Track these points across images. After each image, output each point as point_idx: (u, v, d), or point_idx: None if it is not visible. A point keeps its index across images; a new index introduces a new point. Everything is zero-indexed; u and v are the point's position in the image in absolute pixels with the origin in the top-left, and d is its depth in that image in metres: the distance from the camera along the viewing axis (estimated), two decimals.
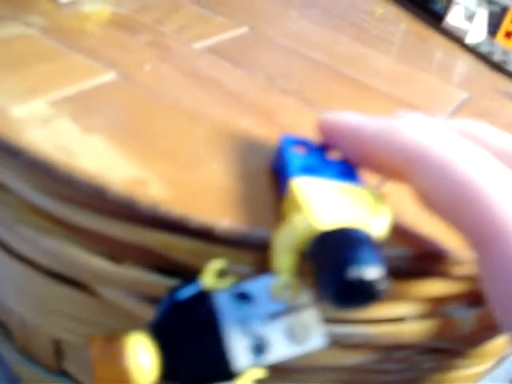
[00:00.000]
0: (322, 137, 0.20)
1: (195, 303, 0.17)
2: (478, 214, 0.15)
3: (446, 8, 0.39)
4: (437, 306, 0.21)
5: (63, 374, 0.27)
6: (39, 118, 0.20)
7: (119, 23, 0.28)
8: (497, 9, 0.38)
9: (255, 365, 0.17)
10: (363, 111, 0.19)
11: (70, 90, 0.22)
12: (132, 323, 0.19)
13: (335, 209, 0.16)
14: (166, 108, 0.22)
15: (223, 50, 0.28)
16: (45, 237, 0.20)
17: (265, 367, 0.17)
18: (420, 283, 0.19)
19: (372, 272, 0.14)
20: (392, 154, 0.17)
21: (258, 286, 0.17)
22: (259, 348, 0.17)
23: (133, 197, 0.17)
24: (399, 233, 0.19)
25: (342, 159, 0.19)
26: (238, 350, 0.16)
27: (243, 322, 0.17)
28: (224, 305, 0.17)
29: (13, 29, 0.25)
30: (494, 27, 0.39)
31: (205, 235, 0.17)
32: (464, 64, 0.36)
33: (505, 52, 0.37)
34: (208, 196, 0.18)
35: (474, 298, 0.21)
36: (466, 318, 0.21)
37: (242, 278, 0.17)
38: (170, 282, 0.19)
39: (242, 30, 0.31)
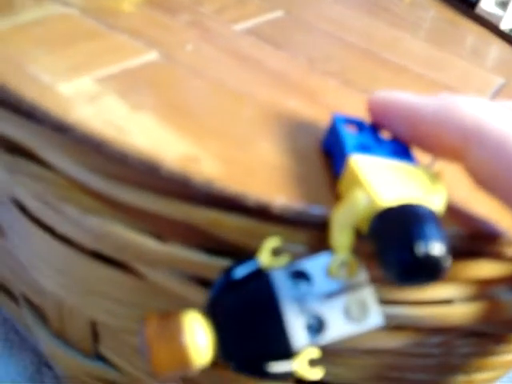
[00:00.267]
0: (372, 116, 0.19)
1: (252, 281, 0.17)
2: None
3: None
4: (484, 288, 0.20)
5: (99, 357, 0.27)
6: (86, 95, 0.20)
7: (158, 3, 0.28)
8: None
9: (312, 344, 0.17)
10: None
11: (114, 68, 0.22)
12: (175, 305, 0.19)
13: (395, 186, 0.16)
14: (211, 87, 0.22)
15: (262, 32, 0.28)
16: (89, 216, 0.20)
17: (320, 347, 0.17)
18: (470, 264, 0.19)
19: (438, 248, 0.14)
20: (450, 130, 0.17)
21: (314, 264, 0.17)
22: (316, 327, 0.17)
23: (187, 173, 0.17)
24: (451, 212, 0.18)
25: (393, 138, 0.19)
26: (296, 328, 0.16)
27: (300, 301, 0.17)
28: (281, 283, 0.17)
29: (51, 9, 0.25)
30: None
31: (260, 213, 0.17)
32: (498, 50, 0.35)
33: None
34: (262, 174, 0.18)
35: None
36: None
37: (296, 257, 0.17)
38: (217, 261, 0.19)
39: (278, 13, 0.31)
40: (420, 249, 0.14)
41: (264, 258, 0.17)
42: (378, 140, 0.19)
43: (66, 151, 0.19)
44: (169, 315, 0.17)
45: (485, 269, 0.19)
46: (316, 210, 0.17)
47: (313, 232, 0.17)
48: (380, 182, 0.16)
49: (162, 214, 0.19)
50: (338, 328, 0.17)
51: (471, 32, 0.37)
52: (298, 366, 0.17)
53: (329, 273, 0.17)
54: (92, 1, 0.26)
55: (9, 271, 0.28)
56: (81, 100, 0.19)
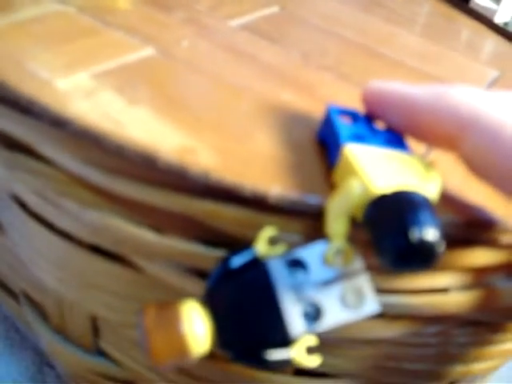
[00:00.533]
0: (367, 106, 0.20)
1: (249, 270, 0.17)
2: None
3: None
4: (480, 276, 0.21)
5: (100, 353, 0.27)
6: (83, 90, 0.20)
7: (153, 1, 0.28)
8: None
9: (309, 331, 0.17)
10: None
11: (111, 64, 0.22)
12: (174, 297, 0.19)
13: (389, 174, 0.16)
14: (207, 82, 0.22)
15: (257, 27, 0.28)
16: (88, 209, 0.20)
17: (317, 335, 0.17)
18: (465, 252, 0.19)
19: (432, 233, 0.14)
20: (445, 119, 0.17)
21: (310, 252, 0.17)
22: (313, 315, 0.17)
23: (183, 165, 0.17)
24: (446, 200, 0.19)
25: (387, 128, 0.19)
26: (294, 316, 0.16)
27: (297, 289, 0.17)
28: (278, 272, 0.17)
29: (49, 7, 0.25)
30: None
31: (256, 203, 0.17)
32: (492, 43, 0.36)
33: None
34: (258, 165, 0.18)
35: None
36: (509, 289, 0.21)
37: (292, 246, 0.17)
38: (215, 252, 0.19)
39: (273, 8, 0.31)
40: (414, 234, 0.14)
41: (261, 247, 0.17)
42: (373, 130, 0.19)
43: (64, 146, 0.19)
44: (167, 305, 0.17)
45: (480, 257, 0.20)
46: (311, 200, 0.17)
47: (308, 221, 0.18)
48: (374, 170, 0.16)
49: (159, 206, 0.19)
50: (335, 315, 0.17)
51: (466, 26, 0.38)
52: (296, 353, 0.17)
53: (325, 261, 0.17)
54: None
55: (9, 268, 0.29)
56: (78, 95, 0.20)
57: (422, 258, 0.15)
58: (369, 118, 0.19)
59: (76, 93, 0.20)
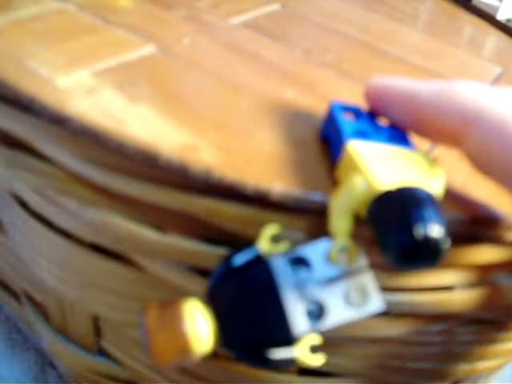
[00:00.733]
0: (370, 102, 0.19)
1: (252, 268, 0.17)
2: None
3: None
4: (485, 274, 0.20)
5: (101, 353, 0.27)
6: (84, 87, 0.20)
7: None
8: None
9: (313, 330, 0.16)
10: None
11: (111, 61, 0.22)
12: (175, 296, 0.19)
13: (393, 170, 0.16)
14: (208, 79, 0.22)
15: (258, 25, 0.28)
16: (88, 208, 0.20)
17: (321, 333, 0.17)
18: (470, 249, 0.19)
19: (437, 230, 0.14)
20: (449, 114, 0.17)
21: (314, 250, 0.17)
22: (317, 313, 0.17)
23: (185, 162, 0.17)
24: (450, 197, 0.18)
25: (390, 125, 0.19)
26: (297, 314, 0.16)
27: (300, 287, 0.16)
28: (281, 270, 0.17)
29: (50, 5, 0.25)
30: None
31: (258, 201, 0.17)
32: (495, 40, 0.35)
33: None
34: (260, 162, 0.18)
35: None
36: None
37: (295, 243, 0.17)
38: (217, 251, 0.19)
39: (275, 6, 0.31)
40: (419, 231, 0.14)
41: (263, 245, 0.17)
42: (376, 126, 0.19)
43: (65, 144, 0.19)
44: (168, 304, 0.17)
45: (485, 254, 0.19)
46: (314, 197, 0.17)
47: (312, 218, 0.17)
48: (377, 166, 0.16)
49: (160, 204, 0.19)
50: (339, 314, 0.17)
51: (468, 23, 0.37)
52: (299, 352, 0.17)
53: (328, 259, 0.17)
54: None
55: (10, 268, 0.28)
56: (79, 93, 0.20)
57: (426, 255, 0.14)
58: (371, 115, 0.19)
59: (76, 91, 0.20)
